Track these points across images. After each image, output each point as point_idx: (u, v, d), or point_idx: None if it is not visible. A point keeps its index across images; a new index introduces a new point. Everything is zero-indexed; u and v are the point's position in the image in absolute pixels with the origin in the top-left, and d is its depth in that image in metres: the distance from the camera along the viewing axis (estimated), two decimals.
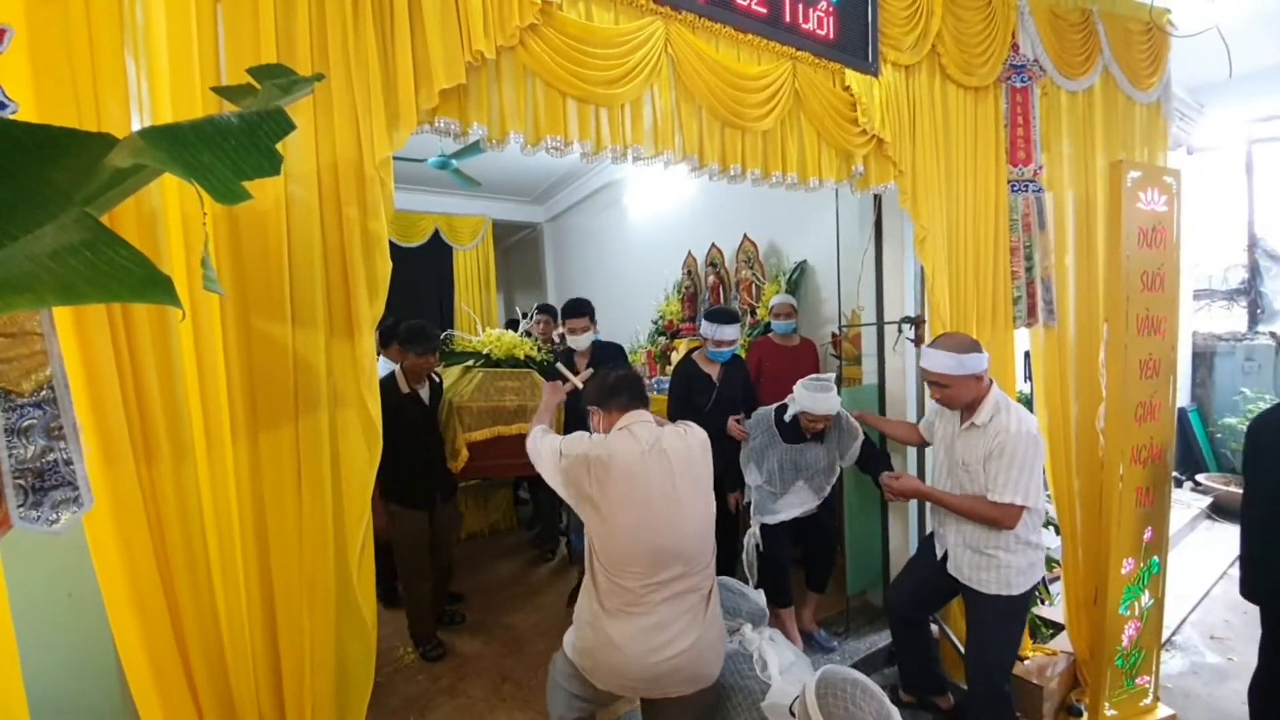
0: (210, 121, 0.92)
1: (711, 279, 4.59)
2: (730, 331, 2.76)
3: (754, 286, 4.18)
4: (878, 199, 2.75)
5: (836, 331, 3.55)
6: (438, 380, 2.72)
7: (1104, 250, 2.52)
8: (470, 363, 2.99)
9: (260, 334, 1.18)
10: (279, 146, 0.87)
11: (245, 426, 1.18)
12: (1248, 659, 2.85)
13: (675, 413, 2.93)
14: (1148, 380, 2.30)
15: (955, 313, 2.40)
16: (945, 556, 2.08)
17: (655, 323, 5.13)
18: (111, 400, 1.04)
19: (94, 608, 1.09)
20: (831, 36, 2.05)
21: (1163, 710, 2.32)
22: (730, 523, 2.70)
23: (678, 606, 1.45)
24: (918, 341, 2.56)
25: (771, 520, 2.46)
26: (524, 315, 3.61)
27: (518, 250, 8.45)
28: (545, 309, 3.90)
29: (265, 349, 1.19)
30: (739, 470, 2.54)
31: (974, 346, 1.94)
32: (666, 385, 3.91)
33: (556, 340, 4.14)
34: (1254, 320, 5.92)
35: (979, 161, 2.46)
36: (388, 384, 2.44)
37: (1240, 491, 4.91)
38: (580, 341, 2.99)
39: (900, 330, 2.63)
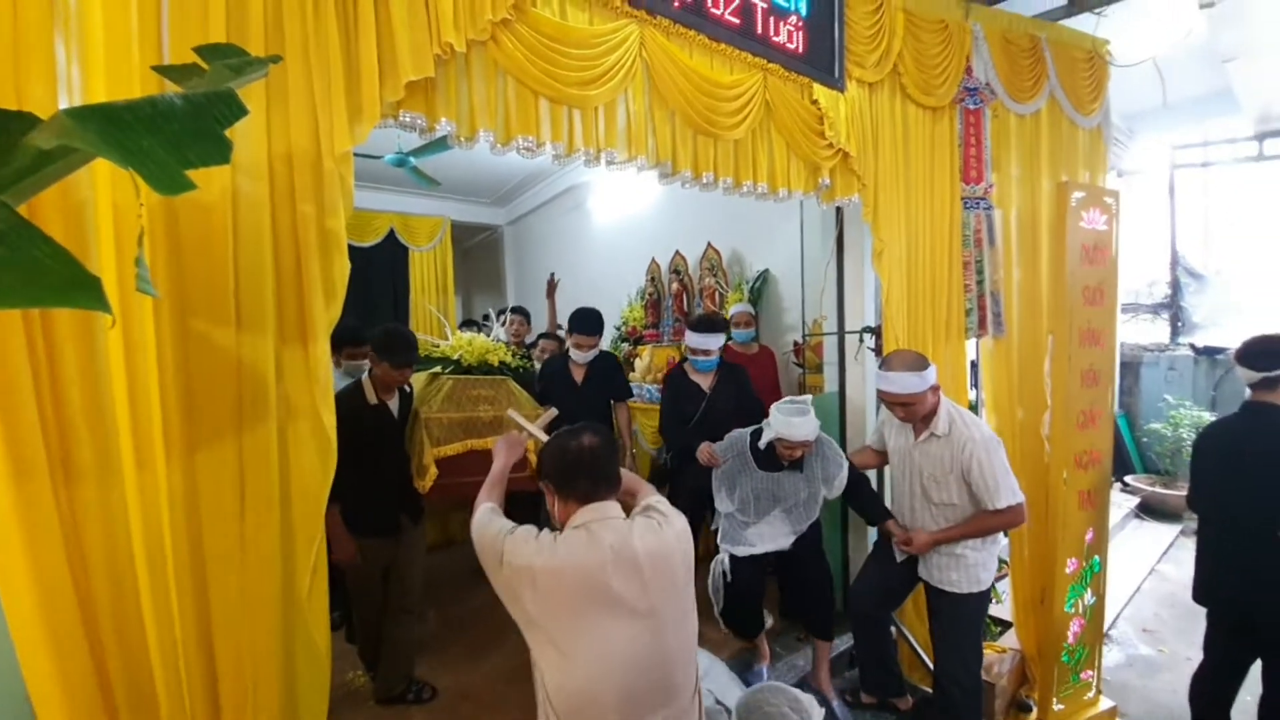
0: (150, 102, 0.83)
1: (675, 286, 4.60)
2: (707, 340, 2.67)
3: (717, 294, 4.20)
4: (840, 211, 2.82)
5: (799, 340, 3.61)
6: (408, 390, 2.46)
7: (1048, 266, 2.66)
8: (437, 370, 2.78)
9: (200, 339, 1.08)
10: (228, 133, 0.80)
11: (181, 441, 1.07)
12: (1177, 650, 3.05)
13: (665, 425, 2.88)
14: (1089, 389, 2.43)
15: (911, 324, 2.47)
16: (906, 559, 2.14)
17: (618, 329, 5.09)
18: (25, 411, 0.93)
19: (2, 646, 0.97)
20: (800, 50, 2.08)
21: (1105, 703, 2.44)
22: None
23: None
24: (878, 351, 2.63)
25: (741, 552, 2.25)
26: (495, 316, 3.46)
27: (477, 253, 8.26)
28: (518, 310, 3.82)
29: (206, 355, 1.09)
30: (709, 495, 2.38)
31: (925, 361, 2.02)
32: (641, 392, 3.93)
33: (535, 344, 4.05)
34: (1175, 332, 6.39)
35: (935, 178, 2.55)
36: (353, 394, 2.22)
37: (1165, 492, 5.29)
38: (584, 357, 2.96)
39: (861, 340, 2.69)
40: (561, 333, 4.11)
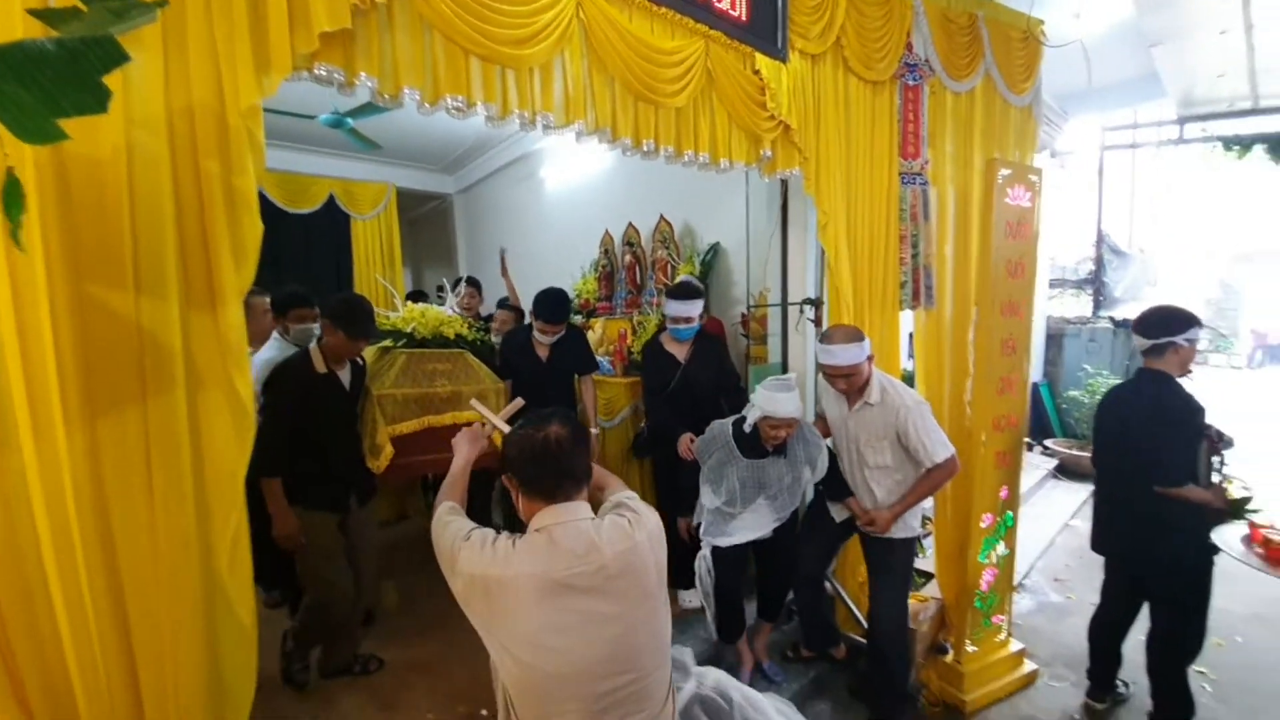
0: (20, 47, 0.77)
1: (628, 258, 4.58)
2: (689, 307, 2.64)
3: (669, 267, 4.21)
4: (784, 184, 2.85)
5: (745, 312, 3.68)
6: (361, 363, 2.30)
7: (977, 241, 2.78)
8: (387, 344, 2.64)
9: (97, 303, 1.02)
10: (113, 82, 0.75)
11: (80, 410, 1.02)
12: (1084, 597, 3.34)
13: (646, 398, 2.88)
14: (1007, 357, 2.58)
15: (852, 295, 2.55)
16: (848, 519, 2.28)
17: (571, 302, 5.06)
18: None
19: None
20: (744, 18, 2.07)
21: (1014, 645, 2.67)
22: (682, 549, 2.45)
23: None
24: (817, 323, 2.71)
25: (724, 543, 2.19)
26: (450, 286, 3.34)
27: (426, 222, 7.98)
28: (470, 281, 3.73)
29: (103, 321, 1.03)
30: (691, 493, 2.33)
31: (861, 333, 2.11)
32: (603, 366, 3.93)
33: (490, 316, 3.94)
34: (1098, 306, 6.82)
35: (875, 153, 2.61)
36: (300, 363, 2.11)
37: (1080, 454, 5.69)
38: (548, 340, 2.84)
39: (802, 311, 2.76)
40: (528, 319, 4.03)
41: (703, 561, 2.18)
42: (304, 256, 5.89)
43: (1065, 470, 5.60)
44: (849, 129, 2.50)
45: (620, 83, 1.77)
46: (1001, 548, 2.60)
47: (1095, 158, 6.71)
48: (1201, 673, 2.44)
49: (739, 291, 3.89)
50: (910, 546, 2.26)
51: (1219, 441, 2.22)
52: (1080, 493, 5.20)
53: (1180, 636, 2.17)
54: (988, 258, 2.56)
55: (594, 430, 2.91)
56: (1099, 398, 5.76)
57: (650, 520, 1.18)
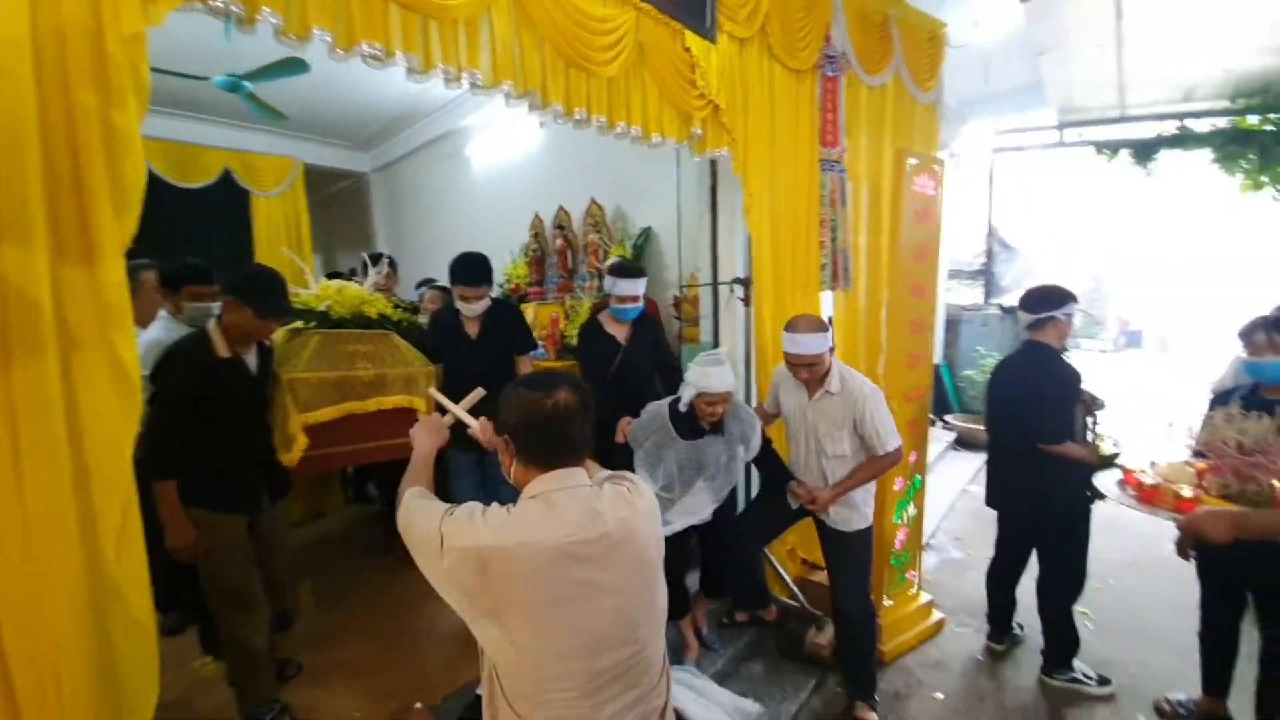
0: None
1: (559, 242, 4.52)
2: (635, 285, 2.57)
3: (601, 250, 4.20)
4: (713, 167, 2.91)
5: (678, 294, 3.73)
6: (269, 346, 2.08)
7: (887, 226, 2.96)
8: (298, 325, 2.40)
9: None
10: None
11: None
12: (981, 553, 3.65)
13: (587, 382, 2.72)
14: (915, 335, 2.78)
15: (776, 276, 2.65)
16: (801, 508, 2.28)
17: (501, 286, 4.93)
18: None
19: None
20: None
21: (924, 598, 2.90)
22: None
23: None
24: (746, 301, 2.79)
25: (665, 531, 2.19)
26: (370, 262, 3.10)
27: (340, 203, 7.47)
28: (390, 262, 3.47)
29: None
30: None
31: (824, 323, 2.14)
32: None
33: (416, 299, 3.70)
34: (989, 294, 7.49)
35: (798, 139, 2.71)
36: (197, 345, 1.84)
37: (975, 427, 6.22)
38: (475, 309, 2.57)
39: (732, 290, 2.84)
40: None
41: None
42: (196, 237, 5.32)
43: (962, 442, 6.14)
44: (774, 114, 2.58)
45: (550, 45, 1.73)
46: (912, 509, 2.81)
47: (987, 159, 7.34)
48: (1084, 612, 2.75)
49: (670, 275, 3.94)
50: (867, 536, 2.27)
51: (1092, 404, 2.51)
52: (975, 461, 5.72)
53: (1064, 578, 2.44)
54: (897, 242, 2.73)
55: None
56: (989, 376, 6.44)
57: (648, 493, 1.13)
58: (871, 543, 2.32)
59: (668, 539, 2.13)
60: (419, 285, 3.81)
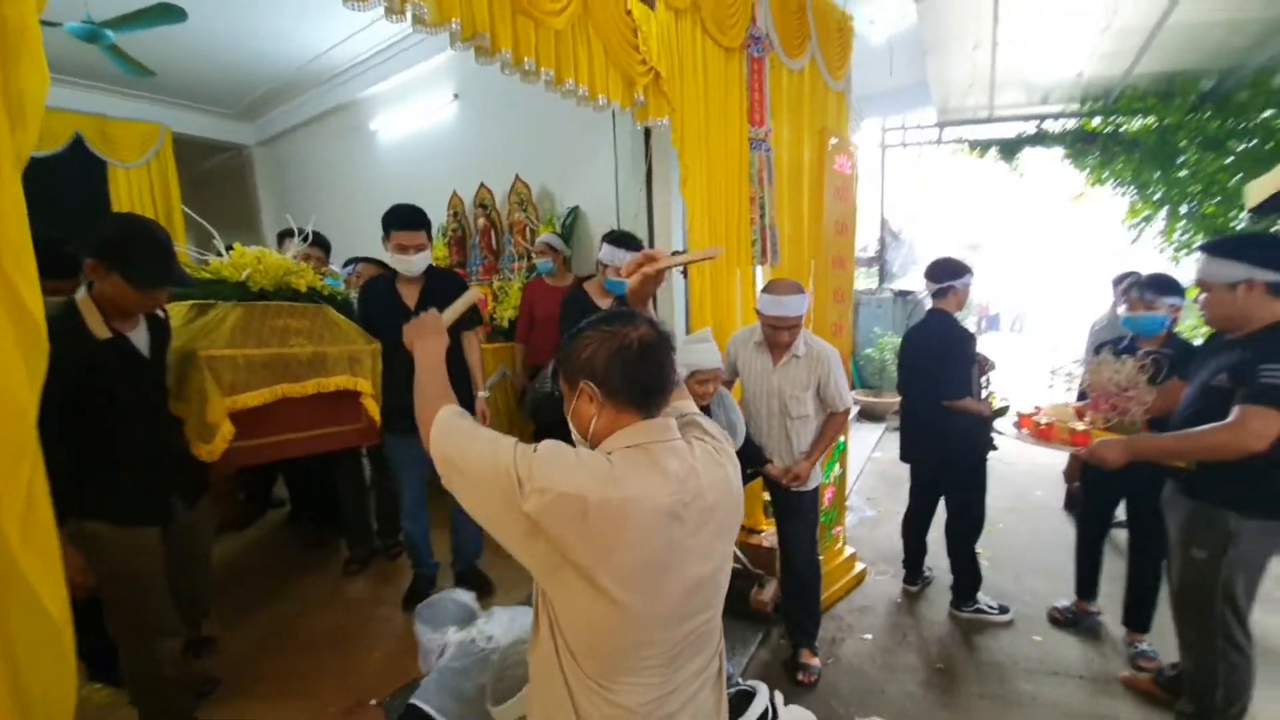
0: None
1: (481, 221, 4.34)
2: (631, 258, 2.50)
3: (528, 230, 4.09)
4: (647, 141, 2.93)
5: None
6: (163, 316, 1.76)
7: (808, 205, 3.14)
8: (207, 301, 2.05)
9: None
10: None
11: None
12: (891, 509, 4.02)
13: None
14: (838, 305, 2.98)
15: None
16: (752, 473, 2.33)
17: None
18: None
19: None
20: None
21: (848, 550, 3.14)
22: None
23: (692, 711, 0.97)
24: (685, 274, 2.85)
25: None
26: (295, 232, 2.75)
27: (216, 178, 6.67)
28: (319, 241, 3.06)
29: None
30: None
31: (801, 285, 2.17)
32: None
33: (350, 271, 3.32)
34: (882, 280, 8.17)
35: (729, 116, 2.79)
36: (63, 321, 1.49)
37: (874, 400, 6.77)
38: (413, 265, 2.30)
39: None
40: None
41: None
42: (40, 215, 4.51)
43: (865, 414, 6.67)
44: (707, 90, 2.64)
45: None
46: (838, 468, 3.02)
47: (878, 154, 7.97)
48: (980, 551, 3.09)
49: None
50: (816, 494, 2.39)
51: (985, 365, 2.83)
52: (877, 431, 6.24)
53: (968, 520, 2.73)
54: (820, 218, 2.91)
55: (481, 394, 2.58)
56: (885, 354, 7.04)
57: (730, 449, 1.04)
58: (819, 500, 2.46)
59: None
60: (347, 264, 3.48)
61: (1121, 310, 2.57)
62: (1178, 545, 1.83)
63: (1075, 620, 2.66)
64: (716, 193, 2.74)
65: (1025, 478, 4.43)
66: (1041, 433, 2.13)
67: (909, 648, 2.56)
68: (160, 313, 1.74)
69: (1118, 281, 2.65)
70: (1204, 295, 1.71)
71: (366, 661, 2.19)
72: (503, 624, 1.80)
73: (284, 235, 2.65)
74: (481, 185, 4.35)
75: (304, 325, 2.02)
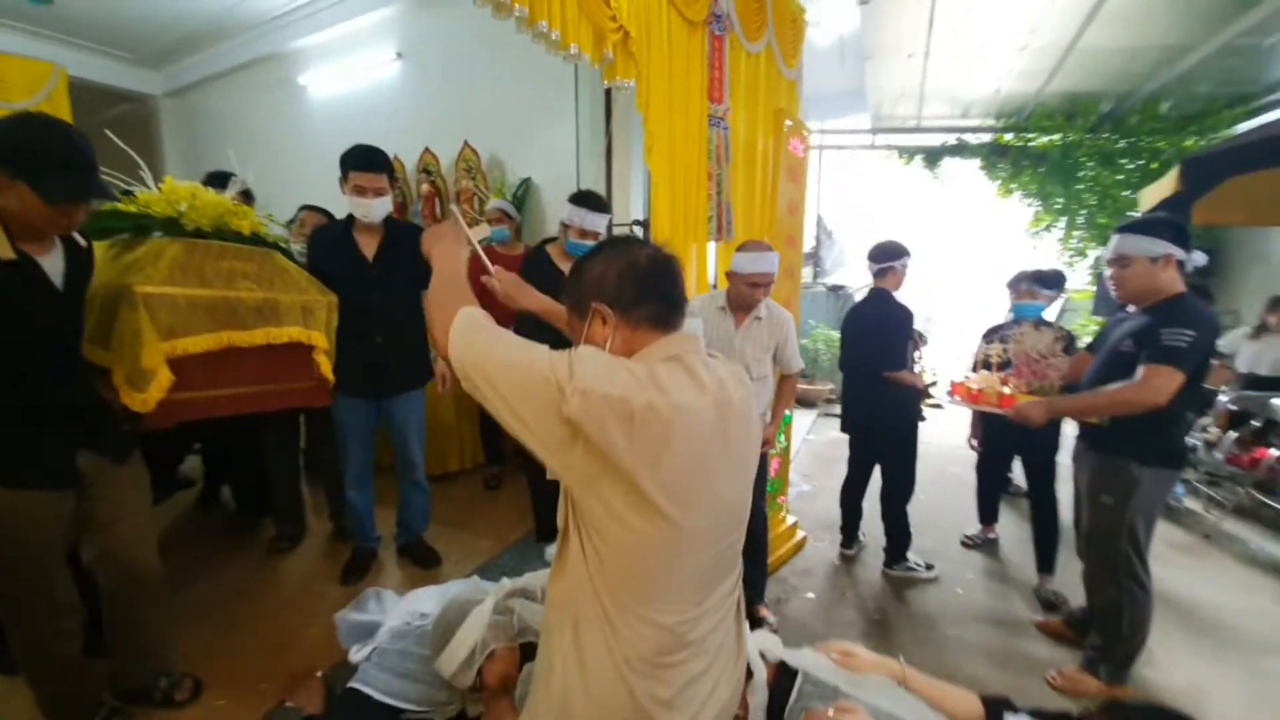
0: None
1: (425, 188, 4.15)
2: (597, 220, 2.34)
3: (476, 199, 3.95)
4: (609, 107, 2.91)
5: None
6: (84, 244, 1.51)
7: (760, 182, 3.24)
8: (128, 238, 1.78)
9: None
10: None
11: None
12: (825, 485, 4.22)
13: (523, 321, 2.46)
14: (788, 280, 3.09)
15: (673, 220, 2.74)
16: None
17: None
18: None
19: None
20: None
21: (790, 519, 3.27)
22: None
23: (722, 634, 0.96)
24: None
25: None
26: (232, 179, 2.47)
27: (117, 130, 5.94)
28: (246, 196, 2.77)
29: None
30: None
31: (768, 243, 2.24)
32: None
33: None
34: (817, 274, 8.55)
35: (690, 90, 2.82)
36: None
37: (808, 388, 7.07)
38: (372, 209, 2.13)
39: (630, 232, 2.88)
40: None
41: None
42: None
43: (801, 401, 6.96)
44: (671, 60, 2.66)
45: None
46: (783, 440, 3.13)
47: (815, 155, 8.34)
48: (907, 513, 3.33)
49: (552, 229, 3.86)
50: (766, 458, 2.51)
51: (919, 341, 3.04)
52: (811, 416, 6.53)
53: (901, 485, 2.92)
54: (775, 197, 3.00)
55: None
56: (819, 345, 7.39)
57: (745, 374, 1.02)
58: (768, 467, 2.56)
59: None
60: (299, 210, 3.19)
61: (1011, 299, 3.01)
62: (1088, 495, 2.04)
63: (980, 543, 3.23)
64: (678, 164, 2.76)
65: (943, 458, 4.80)
66: (973, 397, 2.31)
67: (848, 604, 2.70)
68: (81, 240, 1.50)
69: (1014, 283, 3.05)
70: (1123, 269, 1.90)
71: (304, 637, 2.05)
72: (433, 597, 1.72)
73: (213, 178, 2.38)
74: (426, 150, 4.17)
75: (251, 269, 1.80)
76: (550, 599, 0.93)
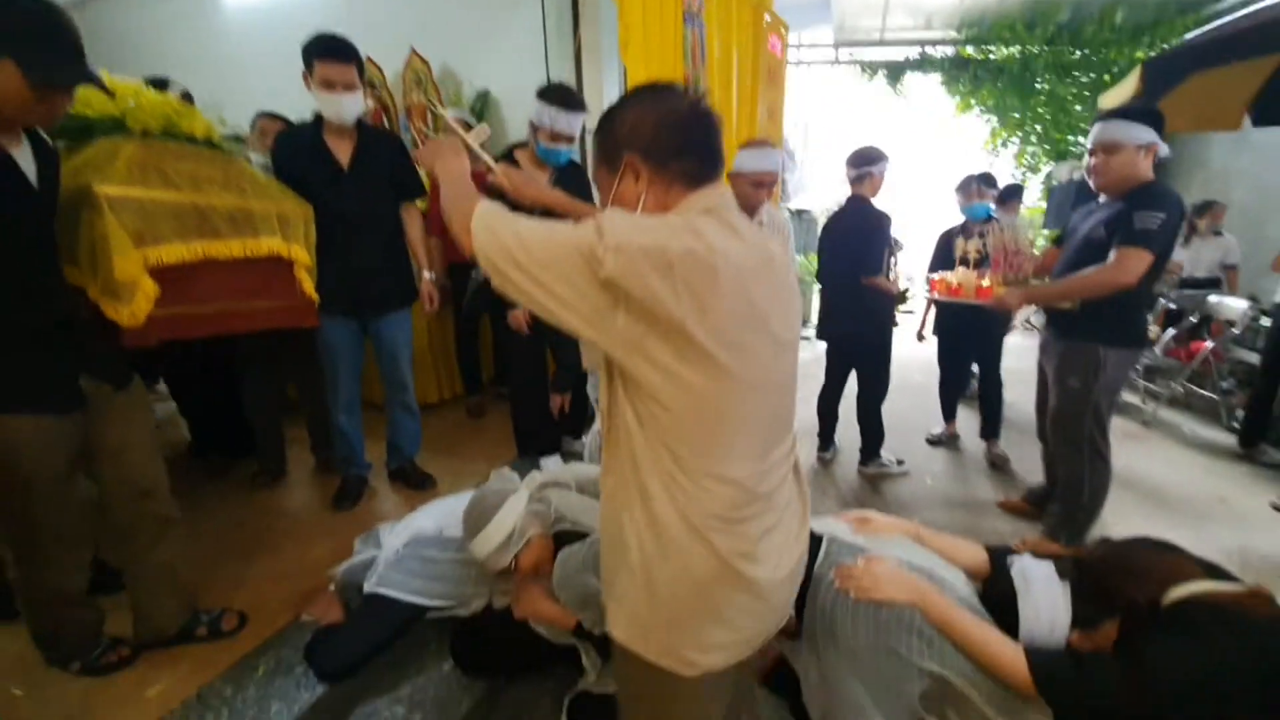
0: None
1: (370, 104, 3.81)
2: (570, 120, 2.05)
3: (430, 114, 3.67)
4: (576, 10, 2.70)
5: None
6: (51, 145, 1.31)
7: (739, 85, 3.12)
8: (71, 138, 1.55)
9: None
10: None
11: None
12: (799, 395, 4.36)
13: None
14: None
15: None
16: None
17: None
18: None
19: None
20: None
21: None
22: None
23: (787, 490, 0.93)
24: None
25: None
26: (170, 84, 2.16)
27: None
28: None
29: None
30: (572, 369, 2.17)
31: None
32: None
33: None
34: (781, 199, 8.51)
35: None
36: None
37: None
38: (343, 107, 1.92)
39: None
40: None
41: (597, 437, 2.16)
42: None
43: None
44: None
45: None
46: None
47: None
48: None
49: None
50: None
51: (895, 248, 3.09)
52: None
53: (876, 387, 3.04)
54: (755, 101, 2.91)
55: (427, 275, 2.31)
56: None
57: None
58: None
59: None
60: (256, 117, 2.89)
61: (961, 201, 3.21)
62: (1055, 380, 2.17)
63: (944, 440, 3.50)
64: (654, 66, 2.61)
65: (906, 367, 5.04)
66: (953, 291, 2.39)
67: (830, 498, 2.86)
68: (48, 140, 1.31)
69: (964, 186, 3.21)
70: (1110, 156, 1.93)
71: (308, 559, 2.00)
72: (433, 515, 1.68)
73: (151, 85, 2.11)
74: (368, 61, 3.79)
75: (217, 174, 1.59)
76: (607, 491, 0.91)
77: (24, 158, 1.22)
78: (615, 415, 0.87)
